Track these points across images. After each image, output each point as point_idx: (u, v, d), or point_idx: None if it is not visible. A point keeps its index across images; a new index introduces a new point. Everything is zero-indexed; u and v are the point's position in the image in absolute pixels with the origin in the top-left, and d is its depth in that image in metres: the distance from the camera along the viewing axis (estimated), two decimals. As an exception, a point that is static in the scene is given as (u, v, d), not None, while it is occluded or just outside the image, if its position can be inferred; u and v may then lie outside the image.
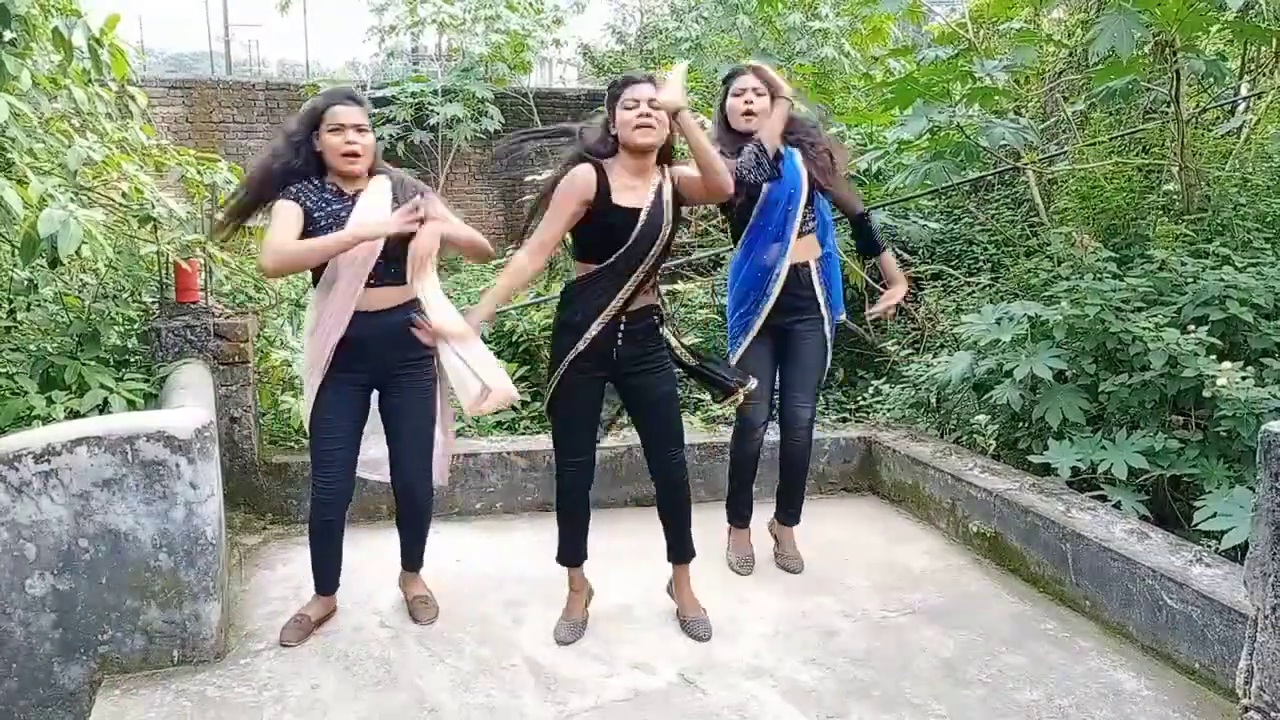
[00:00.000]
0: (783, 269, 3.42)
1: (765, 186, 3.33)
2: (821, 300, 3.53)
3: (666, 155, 2.96)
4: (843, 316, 3.77)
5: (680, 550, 3.20)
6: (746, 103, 3.36)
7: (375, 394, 3.12)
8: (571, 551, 3.17)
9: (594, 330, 2.89)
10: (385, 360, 3.03)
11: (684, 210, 3.06)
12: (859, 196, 3.64)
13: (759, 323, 3.47)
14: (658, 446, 3.09)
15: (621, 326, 2.93)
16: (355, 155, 2.95)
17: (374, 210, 2.98)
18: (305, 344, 3.11)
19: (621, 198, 2.87)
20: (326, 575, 3.19)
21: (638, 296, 2.93)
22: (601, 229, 2.88)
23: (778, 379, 3.60)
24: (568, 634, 3.09)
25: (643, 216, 2.87)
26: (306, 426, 3.09)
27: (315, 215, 2.95)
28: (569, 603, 3.18)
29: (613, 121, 2.89)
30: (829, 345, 3.61)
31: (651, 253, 2.89)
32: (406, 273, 2.96)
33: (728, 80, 3.46)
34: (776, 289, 3.43)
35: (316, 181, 3.00)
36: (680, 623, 3.17)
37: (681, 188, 2.96)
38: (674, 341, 3.09)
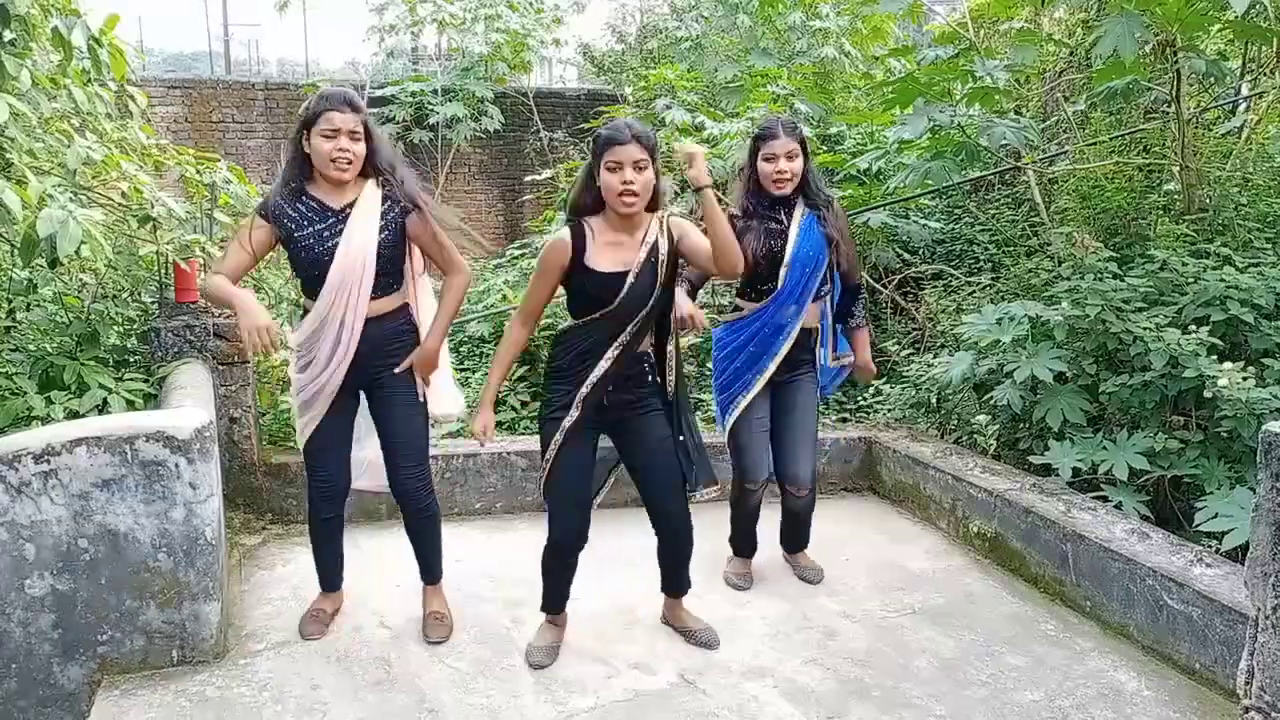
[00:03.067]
0: (795, 329, 3.36)
1: (789, 250, 3.29)
2: (818, 354, 3.51)
3: (655, 205, 2.81)
4: (851, 358, 3.70)
5: (675, 584, 3.12)
6: (779, 172, 3.27)
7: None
8: (555, 601, 3.07)
9: (601, 368, 2.79)
10: (370, 366, 3.00)
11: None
12: (859, 270, 3.62)
13: (761, 384, 3.37)
14: (658, 500, 2.96)
15: (612, 381, 2.83)
16: (346, 163, 2.85)
17: (363, 232, 2.89)
18: (298, 352, 3.03)
19: (600, 260, 2.76)
20: (330, 573, 3.21)
21: (638, 345, 2.84)
22: (581, 291, 2.81)
23: (773, 437, 3.49)
24: (543, 658, 2.99)
25: (629, 280, 2.74)
26: (300, 439, 3.10)
27: (296, 236, 2.89)
28: (544, 630, 3.08)
29: (596, 175, 2.74)
30: (819, 395, 3.58)
31: (638, 316, 2.78)
32: (389, 287, 2.98)
33: (759, 139, 3.34)
34: (785, 348, 3.36)
35: (298, 194, 2.91)
36: (684, 635, 3.12)
37: (683, 250, 2.82)
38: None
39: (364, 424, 3.17)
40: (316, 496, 3.10)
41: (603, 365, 2.79)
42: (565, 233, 2.80)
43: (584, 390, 2.80)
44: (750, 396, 3.39)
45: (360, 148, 2.89)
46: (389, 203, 2.95)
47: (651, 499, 2.98)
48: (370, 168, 2.95)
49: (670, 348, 2.96)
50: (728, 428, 3.45)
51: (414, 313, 3.10)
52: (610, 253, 2.78)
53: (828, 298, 3.50)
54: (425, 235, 2.99)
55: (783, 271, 3.31)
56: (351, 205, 2.91)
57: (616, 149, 2.68)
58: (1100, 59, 4.25)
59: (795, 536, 3.67)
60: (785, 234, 3.32)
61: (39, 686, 2.73)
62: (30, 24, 3.34)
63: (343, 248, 2.87)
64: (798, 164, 3.28)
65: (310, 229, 2.89)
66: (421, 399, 3.10)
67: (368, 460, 3.21)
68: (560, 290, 2.90)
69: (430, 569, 3.23)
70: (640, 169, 2.68)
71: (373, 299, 2.94)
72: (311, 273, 2.92)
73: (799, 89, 7.39)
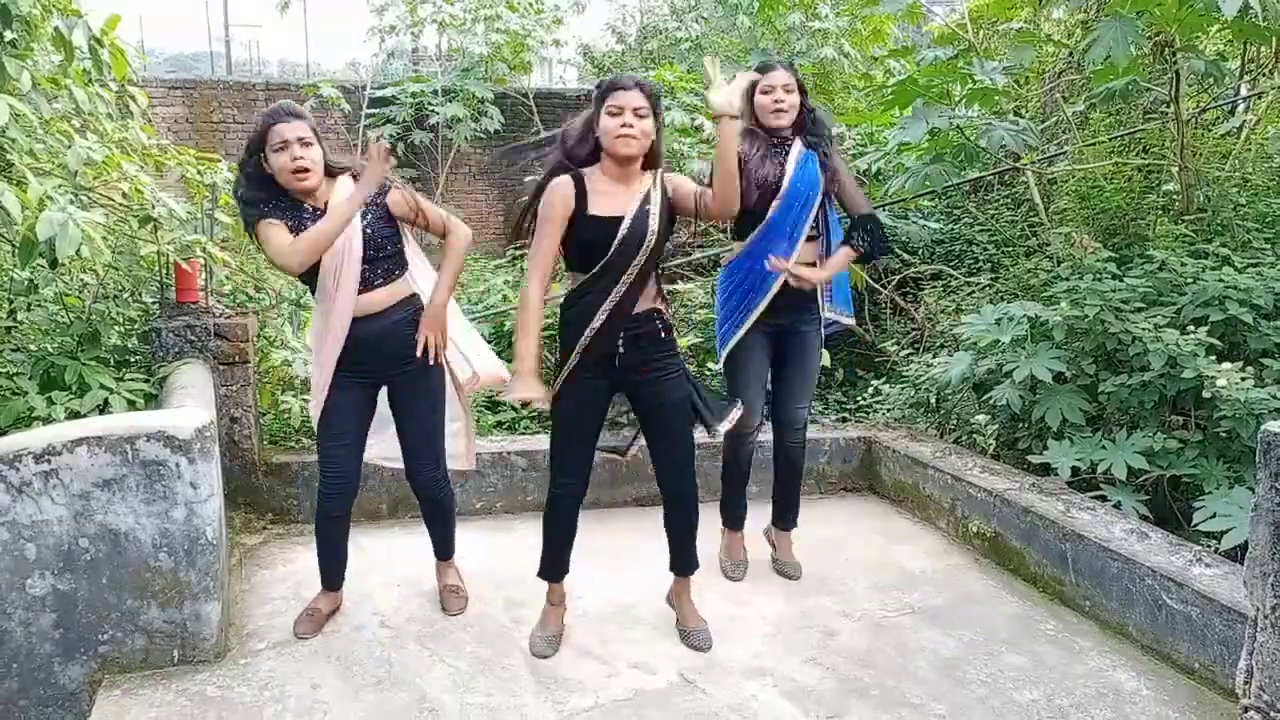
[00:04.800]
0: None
1: (785, 184, 3.31)
2: (820, 302, 3.52)
3: (653, 162, 2.84)
4: (850, 321, 3.73)
5: (683, 562, 3.13)
6: (776, 101, 3.31)
7: (385, 390, 3.15)
8: (553, 566, 3.08)
9: (597, 322, 2.79)
10: (385, 359, 3.03)
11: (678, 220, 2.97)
12: (864, 200, 3.55)
13: (751, 319, 3.40)
14: (665, 462, 3.00)
15: (621, 331, 2.83)
16: (304, 171, 2.86)
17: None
18: (312, 350, 3.12)
19: (598, 206, 2.77)
20: (333, 571, 3.23)
21: (633, 300, 2.82)
22: (581, 240, 2.80)
23: (770, 380, 3.55)
24: (546, 648, 3.02)
25: (624, 226, 2.76)
26: (315, 427, 3.12)
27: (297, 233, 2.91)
28: (545, 616, 3.10)
29: (596, 124, 2.77)
30: (822, 347, 3.60)
31: (636, 261, 2.77)
32: (389, 273, 3.00)
33: (759, 70, 3.38)
34: (776, 286, 3.37)
35: (285, 201, 2.93)
36: (680, 633, 3.13)
37: (676, 200, 2.86)
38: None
39: (380, 426, 3.22)
40: (327, 492, 3.11)
41: (599, 318, 2.80)
42: (564, 180, 2.78)
43: (586, 337, 2.80)
44: (743, 330, 3.41)
45: (315, 152, 2.90)
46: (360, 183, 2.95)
47: (662, 465, 3.01)
48: (328, 169, 2.97)
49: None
50: (722, 359, 3.50)
51: (422, 301, 3.11)
52: (605, 201, 2.78)
53: (821, 240, 3.47)
54: (407, 207, 3.02)
55: (775, 203, 3.33)
56: (329, 201, 2.94)
57: (619, 94, 2.70)
58: (1093, 63, 4.25)
59: (787, 497, 3.68)
60: (782, 167, 3.34)
61: (40, 686, 2.74)
62: (31, 24, 3.35)
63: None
64: (794, 98, 3.33)
65: (302, 228, 2.90)
66: (445, 389, 3.14)
67: (382, 450, 3.28)
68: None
69: (443, 547, 3.36)
70: (640, 116, 2.69)
71: (373, 290, 2.97)
72: (311, 270, 2.94)
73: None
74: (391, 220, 3.02)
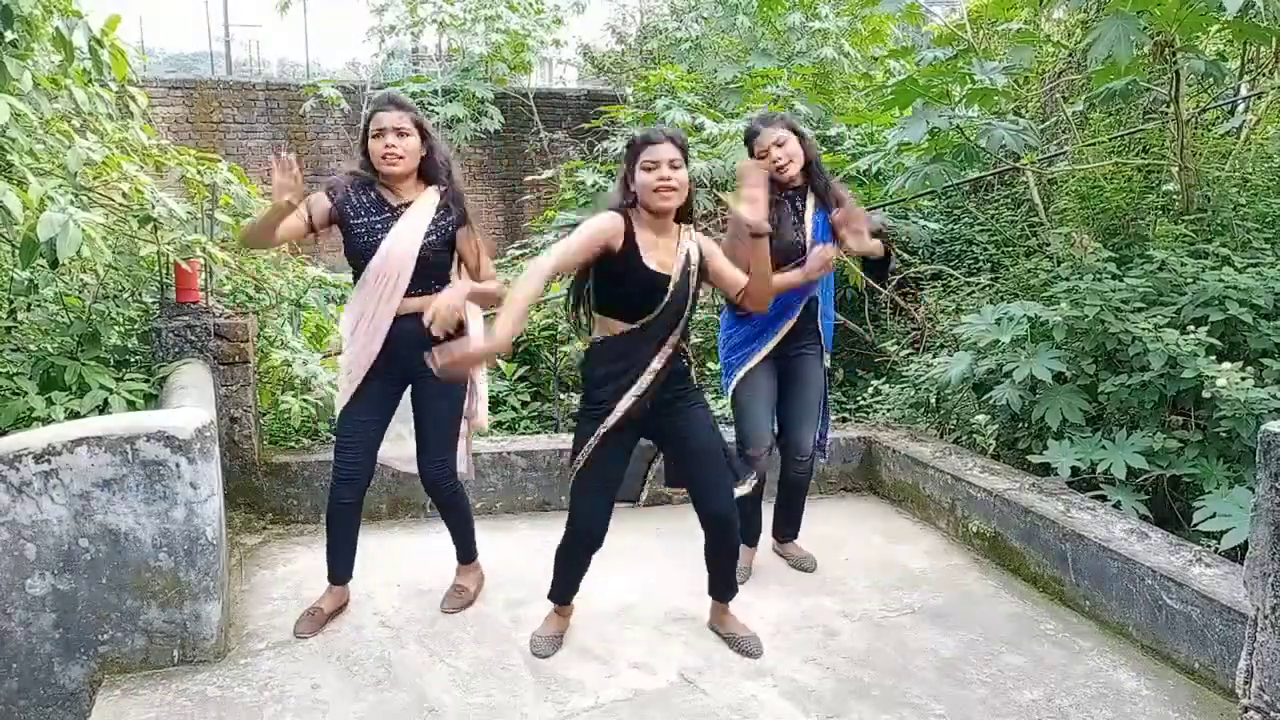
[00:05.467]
0: (799, 309, 3.42)
1: (808, 249, 3.32)
2: (821, 332, 3.53)
3: (685, 214, 2.84)
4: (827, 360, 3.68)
5: (725, 587, 3.11)
6: (774, 161, 3.31)
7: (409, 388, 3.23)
8: (565, 594, 3.11)
9: (641, 386, 2.79)
10: (413, 358, 3.05)
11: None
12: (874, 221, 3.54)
13: (756, 360, 3.43)
14: (705, 482, 2.93)
15: (657, 374, 2.82)
16: (396, 158, 3.00)
17: (411, 232, 3.03)
18: (345, 344, 3.19)
19: (650, 258, 2.76)
20: (341, 562, 3.25)
21: (677, 357, 2.85)
22: (630, 288, 2.77)
23: (778, 408, 3.53)
24: (546, 647, 3.04)
25: (673, 282, 2.76)
26: (337, 415, 3.21)
27: (352, 224, 3.04)
28: (550, 619, 3.13)
29: (631, 179, 2.77)
30: (828, 362, 3.60)
31: (680, 321, 2.82)
32: (438, 284, 3.08)
33: (749, 141, 3.41)
34: (786, 328, 3.41)
35: (366, 187, 3.08)
36: (727, 640, 3.09)
37: (713, 273, 2.87)
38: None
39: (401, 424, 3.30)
40: (340, 478, 3.16)
41: (648, 376, 2.79)
42: (615, 215, 2.76)
43: (628, 401, 2.79)
44: (751, 365, 3.44)
45: (410, 143, 3.02)
46: (444, 210, 3.09)
47: (701, 497, 2.94)
48: (426, 169, 3.10)
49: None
50: (729, 392, 3.50)
51: (461, 314, 3.13)
52: (653, 254, 2.77)
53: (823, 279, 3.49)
54: (469, 248, 3.16)
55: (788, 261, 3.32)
56: (407, 205, 3.07)
57: (652, 148, 2.73)
58: (1096, 61, 4.25)
59: (790, 513, 3.73)
60: (802, 229, 3.36)
61: (40, 686, 2.74)
62: (32, 24, 3.35)
63: (387, 243, 3.02)
64: (790, 146, 3.33)
65: (364, 219, 3.05)
66: (463, 401, 3.23)
67: (400, 451, 3.34)
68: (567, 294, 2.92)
69: (460, 549, 3.41)
70: (675, 167, 2.72)
71: (414, 296, 3.05)
72: (358, 262, 3.07)
73: (799, 90, 7.40)
74: (452, 248, 3.13)
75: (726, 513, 2.95)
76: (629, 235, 2.75)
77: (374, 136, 3.01)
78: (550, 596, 3.11)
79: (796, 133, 3.37)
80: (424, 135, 3.07)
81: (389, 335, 3.06)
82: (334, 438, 3.29)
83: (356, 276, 3.10)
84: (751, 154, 3.40)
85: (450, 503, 3.33)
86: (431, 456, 3.22)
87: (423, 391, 3.17)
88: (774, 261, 3.16)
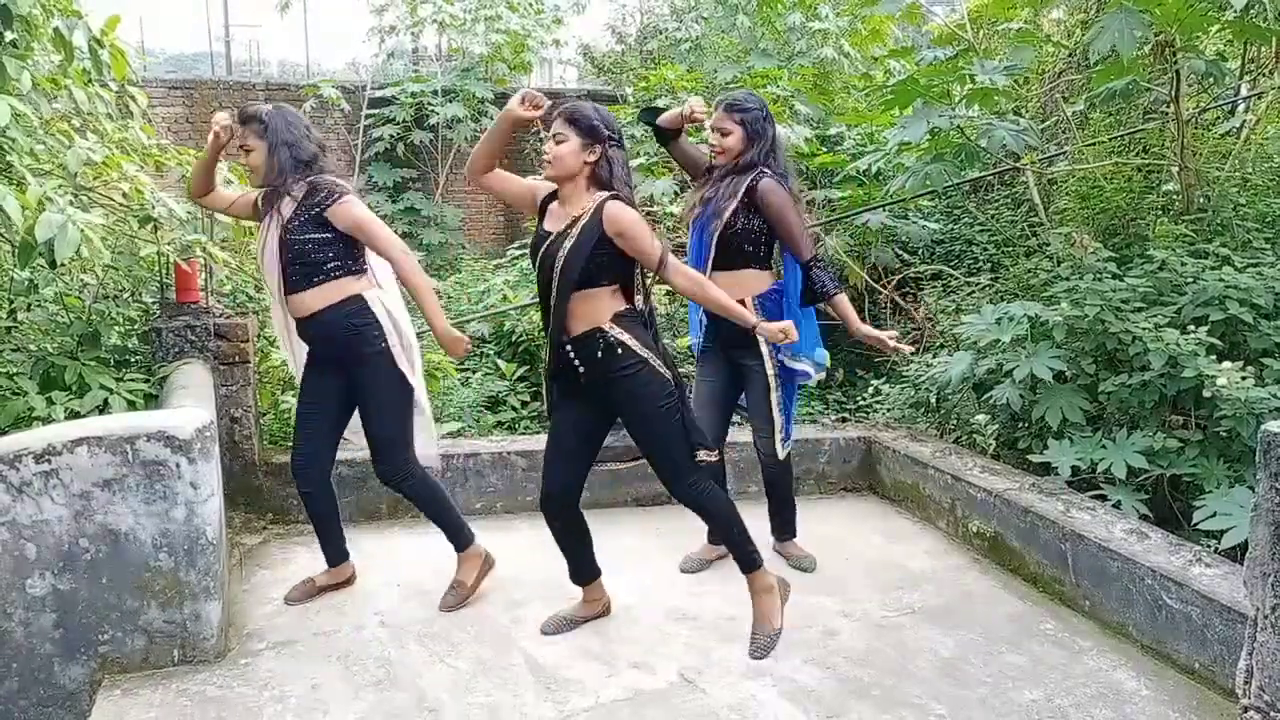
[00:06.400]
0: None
1: (688, 243, 3.51)
2: (764, 348, 3.40)
3: (603, 183, 2.85)
4: (826, 363, 3.62)
5: (738, 560, 3.11)
6: (711, 144, 3.47)
7: None
8: (573, 572, 3.19)
9: (546, 366, 2.99)
10: (334, 360, 3.21)
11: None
12: (809, 243, 3.46)
13: (701, 353, 3.62)
14: (665, 481, 3.06)
15: (570, 351, 2.89)
16: (249, 172, 3.22)
17: (271, 234, 3.18)
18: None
19: (547, 222, 2.92)
20: (325, 546, 3.39)
21: (560, 319, 2.85)
22: (532, 248, 2.96)
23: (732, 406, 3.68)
24: (551, 627, 3.13)
25: (544, 245, 2.87)
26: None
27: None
28: (574, 605, 3.21)
29: None
30: (771, 379, 3.46)
31: (551, 282, 2.83)
32: (311, 278, 3.13)
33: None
34: (699, 315, 3.56)
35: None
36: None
37: (627, 247, 2.81)
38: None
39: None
40: (293, 468, 3.34)
41: (551, 339, 2.91)
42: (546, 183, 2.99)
43: (546, 367, 3.01)
44: (696, 337, 3.62)
45: (253, 157, 3.16)
46: (308, 196, 3.13)
47: (665, 483, 3.07)
48: (273, 170, 3.15)
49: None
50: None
51: (371, 304, 3.18)
52: (550, 220, 2.92)
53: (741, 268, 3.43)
54: (348, 223, 3.14)
55: (688, 242, 3.51)
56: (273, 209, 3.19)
57: (553, 123, 2.88)
58: (1097, 56, 4.24)
59: (777, 517, 3.77)
60: (730, 206, 3.41)
61: (40, 686, 2.74)
62: (31, 24, 3.35)
63: (259, 244, 3.23)
64: (731, 140, 3.40)
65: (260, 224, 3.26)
66: (397, 390, 3.23)
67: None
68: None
69: (451, 539, 3.39)
70: (558, 141, 2.82)
71: (299, 292, 3.13)
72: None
73: (798, 90, 7.39)
74: (325, 228, 3.12)
75: (685, 496, 3.01)
76: (546, 198, 2.95)
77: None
78: (570, 577, 3.22)
79: (748, 133, 3.39)
80: (263, 135, 3.14)
81: (303, 334, 3.23)
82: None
83: None
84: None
85: (414, 495, 3.33)
86: (379, 460, 3.27)
87: (357, 396, 3.24)
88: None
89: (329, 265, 3.14)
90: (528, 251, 3.03)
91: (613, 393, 2.92)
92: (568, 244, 2.81)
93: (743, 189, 3.39)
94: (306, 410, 3.30)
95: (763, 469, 3.68)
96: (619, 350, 2.86)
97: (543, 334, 2.99)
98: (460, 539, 3.39)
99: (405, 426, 3.27)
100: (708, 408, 3.54)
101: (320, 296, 3.13)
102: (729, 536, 3.08)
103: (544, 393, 3.09)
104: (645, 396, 2.89)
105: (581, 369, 2.90)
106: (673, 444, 2.93)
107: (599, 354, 2.86)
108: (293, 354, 3.42)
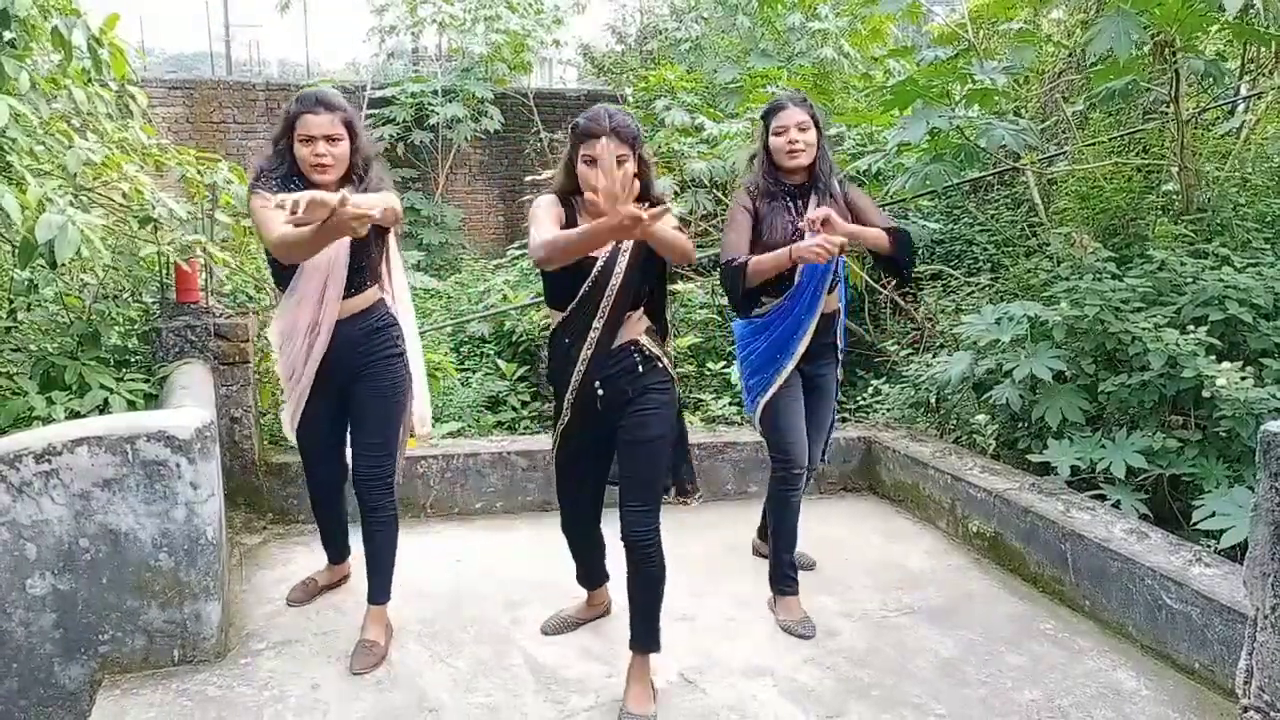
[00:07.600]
0: (812, 324, 3.25)
1: (800, 269, 3.18)
2: (838, 345, 3.44)
3: (644, 196, 2.55)
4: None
5: (639, 633, 2.73)
6: (790, 142, 3.16)
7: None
8: (583, 576, 3.18)
9: (579, 374, 2.70)
10: (352, 364, 3.02)
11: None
12: (887, 218, 3.38)
13: (781, 380, 3.27)
14: (623, 499, 2.72)
15: (597, 378, 2.70)
16: (323, 168, 2.84)
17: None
18: (279, 355, 3.07)
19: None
20: (329, 546, 3.39)
21: (609, 339, 2.69)
22: (558, 275, 2.65)
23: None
24: (551, 627, 3.13)
25: (596, 268, 2.63)
26: (289, 434, 3.17)
27: None
28: (576, 605, 3.20)
29: (574, 165, 2.65)
30: (839, 386, 3.52)
31: (602, 305, 2.65)
32: (363, 284, 2.98)
33: (767, 116, 3.25)
34: (801, 348, 3.25)
35: (284, 184, 2.85)
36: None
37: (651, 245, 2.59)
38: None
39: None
40: (313, 495, 3.29)
41: (580, 367, 2.70)
42: (555, 199, 2.70)
43: (569, 396, 2.75)
44: (773, 390, 3.27)
45: (340, 149, 2.86)
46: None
47: (620, 503, 2.73)
48: (352, 168, 2.92)
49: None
50: (756, 415, 3.35)
51: (390, 306, 3.12)
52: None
53: (841, 288, 3.43)
54: (394, 217, 2.90)
55: (799, 269, 3.19)
56: None
57: (591, 143, 2.49)
58: (1095, 56, 4.25)
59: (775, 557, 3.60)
60: (801, 231, 3.14)
61: (40, 686, 2.74)
62: (30, 24, 3.35)
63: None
64: (810, 135, 3.18)
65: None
66: (402, 401, 3.09)
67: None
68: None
69: (379, 586, 3.04)
70: (621, 161, 2.48)
71: (353, 296, 2.98)
72: (292, 268, 2.90)
73: (798, 90, 7.39)
74: (379, 228, 2.93)
75: (635, 539, 2.68)
76: (568, 220, 2.66)
77: (302, 143, 2.83)
78: (577, 579, 3.19)
79: (817, 125, 3.21)
80: (353, 136, 2.90)
81: (336, 340, 2.95)
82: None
83: (281, 279, 2.97)
84: (767, 131, 3.23)
85: (380, 516, 3.02)
86: (357, 468, 3.02)
87: (354, 401, 3.03)
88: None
89: (378, 266, 3.05)
90: (536, 262, 2.63)
91: (629, 412, 2.71)
92: (622, 263, 2.64)
93: (843, 201, 3.23)
94: (319, 436, 3.11)
95: (795, 491, 3.33)
96: (657, 364, 2.75)
97: (568, 352, 2.72)
98: (387, 588, 3.07)
99: (402, 441, 3.14)
100: (798, 431, 3.29)
101: (364, 298, 3.00)
102: (655, 601, 2.74)
103: (555, 420, 2.86)
104: (665, 419, 2.75)
105: (601, 390, 2.71)
106: (663, 473, 2.81)
107: (638, 367, 2.71)
108: (304, 374, 3.03)
